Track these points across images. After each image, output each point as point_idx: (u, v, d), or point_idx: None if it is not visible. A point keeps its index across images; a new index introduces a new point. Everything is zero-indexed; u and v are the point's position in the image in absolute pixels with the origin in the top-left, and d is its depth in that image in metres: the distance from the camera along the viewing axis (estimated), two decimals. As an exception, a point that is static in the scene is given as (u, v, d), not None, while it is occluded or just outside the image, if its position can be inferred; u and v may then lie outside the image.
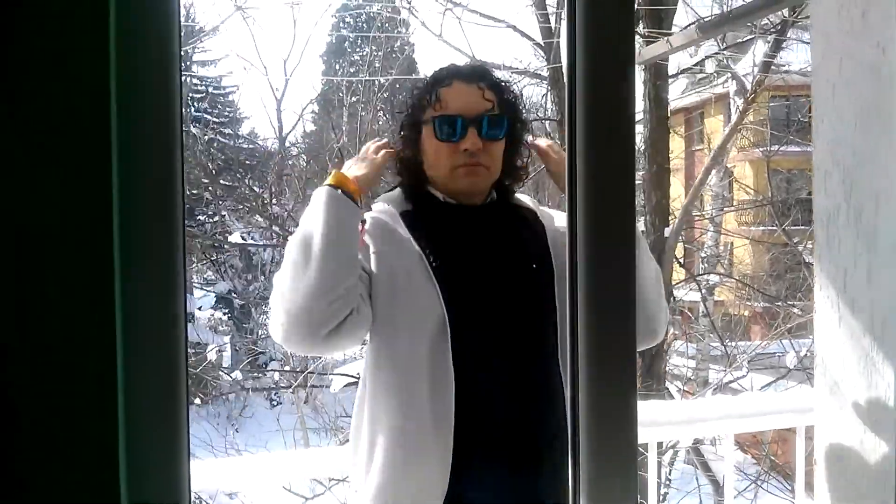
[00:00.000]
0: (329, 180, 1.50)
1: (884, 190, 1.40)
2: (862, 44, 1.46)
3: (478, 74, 1.56)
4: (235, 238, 8.01)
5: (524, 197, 1.68)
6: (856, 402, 1.47)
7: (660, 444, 5.32)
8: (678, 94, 14.47)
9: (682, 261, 7.70)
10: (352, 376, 6.44)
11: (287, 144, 20.83)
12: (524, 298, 1.51)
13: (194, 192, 19.55)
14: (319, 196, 1.48)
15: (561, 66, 6.10)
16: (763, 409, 2.57)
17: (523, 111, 1.67)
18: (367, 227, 1.51)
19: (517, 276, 1.52)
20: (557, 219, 1.62)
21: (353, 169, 1.57)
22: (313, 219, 1.46)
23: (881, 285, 1.41)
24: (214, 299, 17.61)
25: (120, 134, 0.74)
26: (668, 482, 6.58)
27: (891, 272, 1.40)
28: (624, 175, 1.10)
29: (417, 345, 1.47)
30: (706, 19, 3.90)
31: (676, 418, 2.57)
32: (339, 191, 1.48)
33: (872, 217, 1.44)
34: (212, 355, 7.97)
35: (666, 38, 3.08)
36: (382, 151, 1.62)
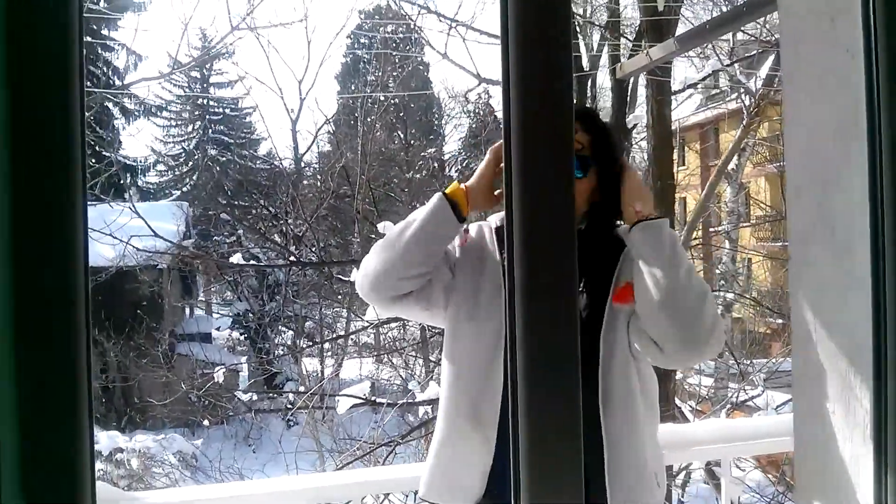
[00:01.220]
0: (447, 188, 1.76)
1: (857, 205, 1.33)
2: (832, 51, 1.39)
3: (578, 115, 1.66)
4: (237, 258, 8.01)
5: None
6: (834, 428, 1.40)
7: (669, 467, 5.21)
8: (692, 111, 14.37)
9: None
10: (358, 398, 6.40)
11: (303, 164, 21.01)
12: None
13: (210, 212, 19.73)
14: (432, 199, 1.75)
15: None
16: (768, 430, 2.49)
17: (620, 152, 1.86)
18: (469, 233, 1.82)
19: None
20: None
21: (471, 179, 1.79)
22: (417, 214, 1.74)
23: (857, 306, 1.34)
24: (231, 320, 17.69)
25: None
26: (680, 504, 6.45)
27: (866, 292, 1.33)
28: (562, 174, 1.06)
29: (476, 349, 1.71)
30: (683, 33, 3.86)
31: (677, 441, 2.50)
32: (446, 200, 1.72)
33: (846, 234, 1.37)
34: (219, 376, 7.94)
35: (645, 51, 3.03)
36: (487, 157, 1.78)
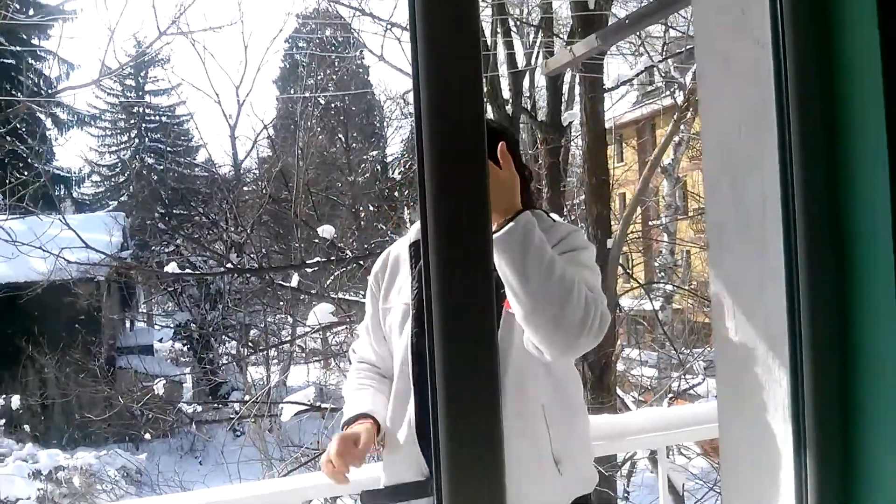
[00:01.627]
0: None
1: (770, 196, 1.35)
2: (743, 42, 1.41)
3: None
4: (172, 268, 7.86)
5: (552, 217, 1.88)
6: (756, 410, 1.42)
7: (612, 458, 5.27)
8: (628, 108, 14.59)
9: (630, 271, 7.70)
10: (303, 404, 6.33)
11: (242, 171, 20.71)
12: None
13: (148, 222, 19.35)
14: None
15: (497, 83, 6.09)
16: (706, 417, 2.52)
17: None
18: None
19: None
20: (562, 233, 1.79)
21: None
22: None
23: (773, 294, 1.36)
24: (173, 331, 17.35)
25: None
26: (626, 495, 6.53)
27: (780, 282, 1.35)
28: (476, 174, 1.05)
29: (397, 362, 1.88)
30: (605, 28, 3.92)
31: (617, 432, 2.52)
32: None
33: (760, 225, 1.39)
34: (160, 389, 7.78)
35: (569, 47, 3.05)
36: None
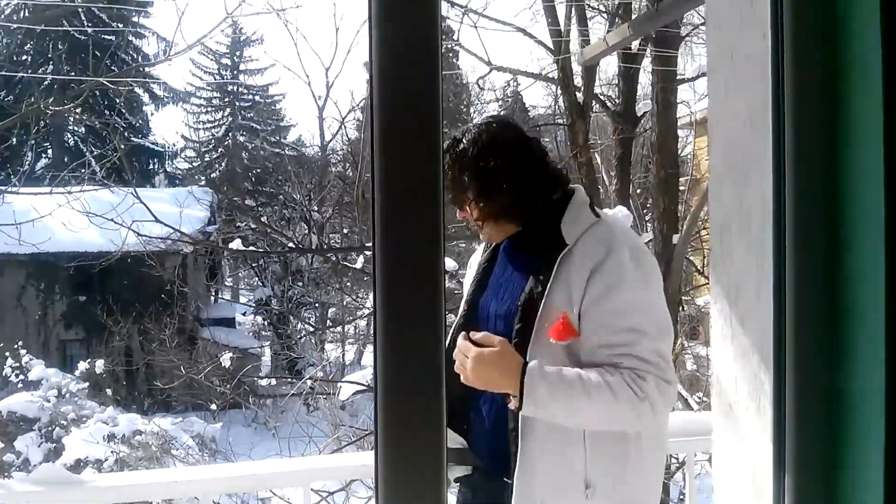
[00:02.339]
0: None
1: (769, 198, 1.28)
2: (751, 36, 1.34)
3: (446, 150, 1.75)
4: (236, 244, 8.03)
5: (609, 226, 1.74)
6: (746, 428, 1.35)
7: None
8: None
9: (703, 268, 7.48)
10: (360, 384, 6.40)
11: (329, 152, 21.04)
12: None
13: (236, 198, 19.88)
14: None
15: (570, 69, 5.96)
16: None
17: (484, 170, 1.74)
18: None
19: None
20: (603, 249, 1.66)
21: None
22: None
23: (768, 302, 1.29)
24: (254, 305, 17.80)
25: None
26: (682, 497, 6.36)
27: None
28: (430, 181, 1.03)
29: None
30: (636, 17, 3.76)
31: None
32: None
33: (761, 227, 1.32)
34: (225, 361, 8.00)
35: (603, 37, 2.95)
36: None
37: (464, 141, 1.77)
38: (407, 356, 1.00)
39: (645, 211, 7.92)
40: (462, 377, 1.64)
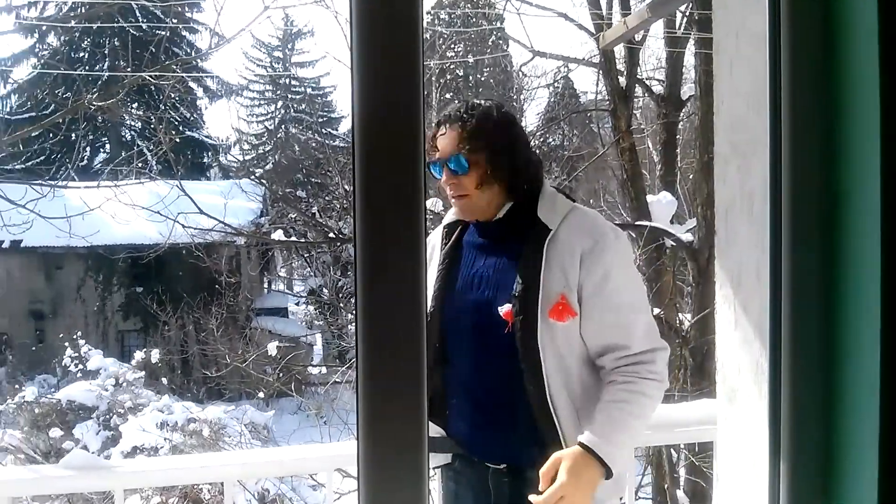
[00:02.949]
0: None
1: (770, 178, 1.25)
2: (755, 14, 1.31)
3: (457, 117, 1.78)
4: (278, 235, 8.12)
5: (585, 213, 1.82)
6: (749, 414, 1.32)
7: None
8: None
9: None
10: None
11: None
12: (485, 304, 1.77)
13: (288, 190, 20.12)
14: None
15: (612, 53, 5.87)
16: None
17: (508, 136, 1.82)
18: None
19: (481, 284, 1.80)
20: (589, 236, 1.73)
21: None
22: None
23: (768, 288, 1.26)
24: (306, 295, 18.01)
25: None
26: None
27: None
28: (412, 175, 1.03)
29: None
30: None
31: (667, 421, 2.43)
32: None
33: (762, 209, 1.28)
34: (272, 350, 8.11)
35: (623, 20, 2.89)
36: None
37: (483, 105, 1.83)
38: (388, 346, 1.00)
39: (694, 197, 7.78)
40: None
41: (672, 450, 5.56)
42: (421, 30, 1.01)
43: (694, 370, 5.24)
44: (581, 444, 1.62)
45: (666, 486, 5.38)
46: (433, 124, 1.86)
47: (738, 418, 1.36)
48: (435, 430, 1.83)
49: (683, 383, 5.36)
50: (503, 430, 1.78)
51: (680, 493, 5.34)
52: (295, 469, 2.40)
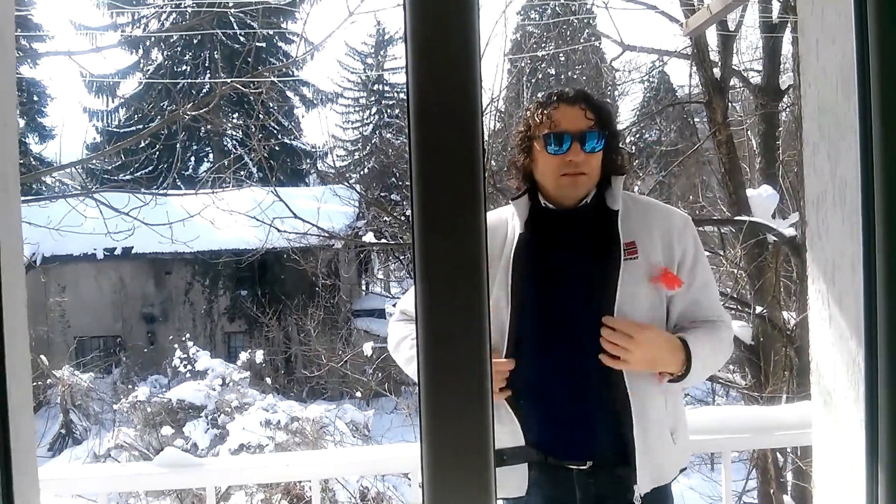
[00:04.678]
0: None
1: (860, 164, 1.17)
2: (842, -10, 1.23)
3: (580, 97, 1.82)
4: (368, 237, 8.22)
5: (635, 196, 1.93)
6: (846, 418, 1.24)
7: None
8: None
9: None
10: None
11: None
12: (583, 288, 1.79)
13: (383, 194, 20.41)
14: None
15: (705, 44, 5.68)
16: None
17: (617, 123, 2.00)
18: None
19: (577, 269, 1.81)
20: (672, 218, 1.86)
21: None
22: None
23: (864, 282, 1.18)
24: (402, 295, 18.23)
25: None
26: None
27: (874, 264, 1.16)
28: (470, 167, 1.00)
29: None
30: None
31: (766, 424, 2.34)
32: None
33: (856, 198, 1.20)
34: (367, 350, 8.22)
35: (706, 5, 2.77)
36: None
37: (596, 97, 1.89)
38: (451, 351, 0.98)
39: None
40: (621, 358, 1.70)
41: (778, 453, 5.35)
42: (477, 24, 0.99)
43: (800, 371, 5.01)
44: (679, 338, 1.75)
45: (772, 490, 5.17)
46: (536, 102, 1.89)
47: (833, 421, 1.28)
48: (506, 441, 1.79)
49: (790, 384, 5.14)
50: (589, 428, 1.78)
51: (787, 499, 5.12)
52: (387, 468, 2.40)
